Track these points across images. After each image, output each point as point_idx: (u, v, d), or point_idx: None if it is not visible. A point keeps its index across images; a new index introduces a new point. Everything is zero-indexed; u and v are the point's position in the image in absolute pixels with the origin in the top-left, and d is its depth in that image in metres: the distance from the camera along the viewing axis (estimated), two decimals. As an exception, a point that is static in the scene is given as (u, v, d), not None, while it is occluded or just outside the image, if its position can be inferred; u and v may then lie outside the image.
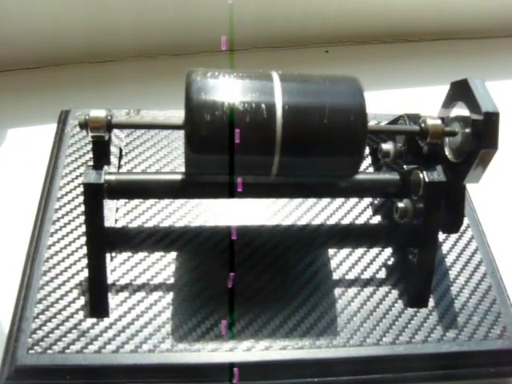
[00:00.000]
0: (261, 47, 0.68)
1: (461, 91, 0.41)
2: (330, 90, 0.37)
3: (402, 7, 0.69)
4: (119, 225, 0.44)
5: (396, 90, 0.66)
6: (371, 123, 0.46)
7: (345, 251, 0.45)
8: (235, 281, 0.41)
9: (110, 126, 0.38)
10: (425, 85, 0.66)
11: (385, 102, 0.56)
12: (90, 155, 0.47)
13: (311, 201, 0.47)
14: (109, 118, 0.38)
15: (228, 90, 0.35)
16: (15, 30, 0.61)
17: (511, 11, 0.72)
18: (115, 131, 0.47)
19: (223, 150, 0.35)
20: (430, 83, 0.65)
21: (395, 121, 0.46)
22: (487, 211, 0.50)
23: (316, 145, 0.37)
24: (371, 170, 0.50)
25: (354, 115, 0.36)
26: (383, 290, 0.43)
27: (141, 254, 0.43)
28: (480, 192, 0.49)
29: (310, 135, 0.36)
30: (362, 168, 0.41)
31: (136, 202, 0.45)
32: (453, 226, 0.43)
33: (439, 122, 0.41)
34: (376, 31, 0.71)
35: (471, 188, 0.47)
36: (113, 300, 0.40)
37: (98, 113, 0.38)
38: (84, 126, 0.38)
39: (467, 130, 0.40)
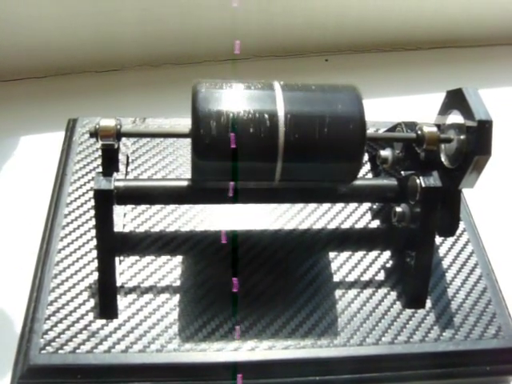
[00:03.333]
0: (262, 56, 0.69)
1: (456, 99, 0.42)
2: (330, 99, 0.38)
3: (399, 17, 0.70)
4: (127, 229, 0.45)
5: (394, 98, 0.67)
6: (370, 130, 0.46)
7: (345, 254, 0.45)
8: (239, 284, 0.42)
9: (119, 134, 0.39)
10: (422, 92, 0.67)
11: (383, 110, 0.57)
12: (98, 162, 0.48)
13: (312, 206, 0.48)
14: (118, 126, 0.39)
15: (232, 99, 0.37)
16: (24, 40, 0.62)
17: (506, 20, 0.73)
18: (122, 139, 0.48)
19: (228, 157, 0.36)
20: (426, 91, 0.65)
21: (393, 128, 0.47)
22: (483, 215, 0.51)
23: (317, 152, 0.38)
24: (370, 175, 0.51)
25: (353, 123, 0.37)
26: (382, 291, 0.44)
27: (148, 258, 0.44)
28: (476, 197, 0.50)
29: (311, 143, 0.37)
30: (361, 174, 0.41)
31: (143, 207, 0.46)
32: (449, 229, 0.44)
33: (435, 129, 0.41)
34: (374, 40, 0.72)
35: (467, 193, 0.48)
36: (121, 302, 0.41)
37: (108, 122, 0.39)
38: (94, 134, 0.39)
39: (462, 137, 0.41)
